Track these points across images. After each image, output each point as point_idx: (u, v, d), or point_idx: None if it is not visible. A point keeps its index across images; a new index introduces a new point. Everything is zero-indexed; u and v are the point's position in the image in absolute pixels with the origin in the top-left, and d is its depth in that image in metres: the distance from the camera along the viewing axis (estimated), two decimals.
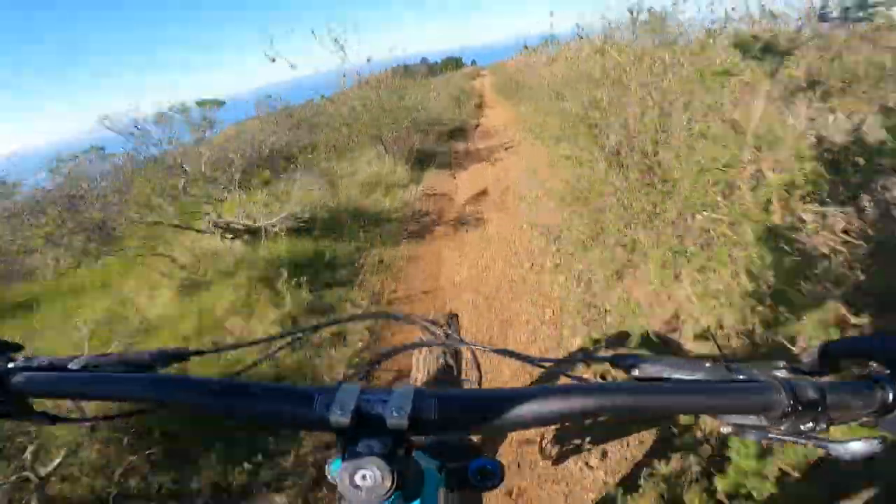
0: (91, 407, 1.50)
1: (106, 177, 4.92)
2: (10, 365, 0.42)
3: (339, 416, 0.34)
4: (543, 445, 1.53)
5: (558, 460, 1.49)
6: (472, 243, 3.55)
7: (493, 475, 0.56)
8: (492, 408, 0.36)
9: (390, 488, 0.33)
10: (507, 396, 0.36)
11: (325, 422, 0.35)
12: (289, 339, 0.55)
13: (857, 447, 0.32)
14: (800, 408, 0.32)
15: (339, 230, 3.77)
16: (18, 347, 0.44)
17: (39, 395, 0.42)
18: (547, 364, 0.45)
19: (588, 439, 1.54)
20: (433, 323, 0.62)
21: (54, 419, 0.45)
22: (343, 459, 0.34)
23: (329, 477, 0.58)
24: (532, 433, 1.57)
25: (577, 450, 1.51)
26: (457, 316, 1.26)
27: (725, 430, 0.37)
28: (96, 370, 0.43)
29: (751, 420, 0.35)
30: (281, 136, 6.63)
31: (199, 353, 0.47)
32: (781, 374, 0.35)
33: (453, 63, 37.46)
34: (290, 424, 0.38)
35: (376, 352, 2.30)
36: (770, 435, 0.35)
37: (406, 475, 0.36)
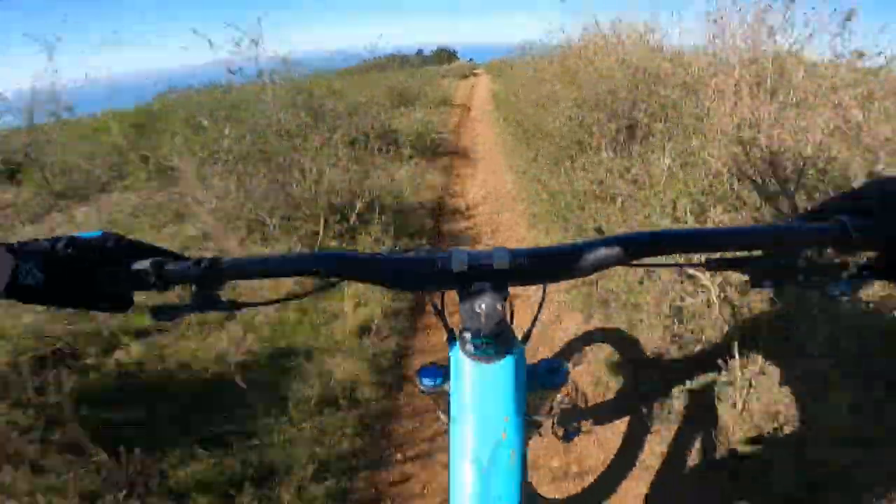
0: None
1: None
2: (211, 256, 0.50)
3: (459, 265, 0.45)
4: (553, 424, 1.68)
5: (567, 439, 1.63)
6: None
7: (559, 372, 0.65)
8: (567, 258, 0.46)
9: (501, 313, 0.43)
10: (578, 248, 0.47)
11: (448, 273, 0.45)
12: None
13: (843, 285, 0.42)
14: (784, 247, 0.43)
15: None
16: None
17: (242, 276, 0.50)
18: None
19: (591, 421, 1.68)
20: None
21: (239, 305, 0.52)
22: (462, 300, 0.45)
23: (420, 386, 0.67)
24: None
25: (579, 430, 1.63)
26: None
27: (751, 284, 0.47)
28: (272, 261, 0.51)
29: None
30: None
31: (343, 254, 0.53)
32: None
33: (445, 56, 32.44)
34: (426, 280, 0.48)
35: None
36: (772, 281, 0.45)
37: (506, 322, 0.46)
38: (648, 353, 1.84)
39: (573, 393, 1.80)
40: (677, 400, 1.57)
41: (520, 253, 0.46)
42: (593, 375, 1.87)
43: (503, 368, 0.48)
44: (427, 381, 0.66)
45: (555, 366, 0.65)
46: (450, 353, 0.54)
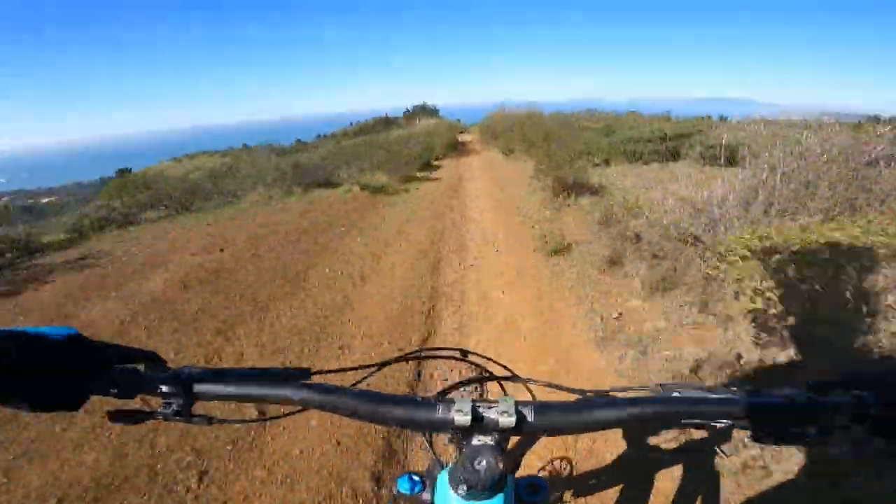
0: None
1: None
2: (182, 369, 0.48)
3: (461, 417, 0.44)
4: None
5: None
6: None
7: (542, 490, 0.64)
8: (576, 414, 0.45)
9: (500, 471, 0.43)
10: (586, 405, 0.45)
11: (449, 422, 0.44)
12: (391, 363, 0.67)
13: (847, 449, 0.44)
14: (795, 417, 0.42)
15: None
16: (166, 366, 0.50)
17: (214, 398, 0.48)
18: (589, 393, 0.52)
19: (572, 492, 1.64)
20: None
21: (211, 420, 0.50)
22: (461, 451, 0.45)
23: (395, 492, 0.66)
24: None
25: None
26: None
27: (747, 439, 0.48)
28: (252, 380, 0.49)
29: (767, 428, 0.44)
30: None
31: (322, 372, 0.55)
32: (787, 390, 0.45)
33: (425, 114, 24.83)
34: (421, 426, 0.46)
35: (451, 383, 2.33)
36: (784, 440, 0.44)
37: (507, 467, 0.45)
38: None
39: (558, 462, 1.75)
40: None
41: (527, 406, 0.45)
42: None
43: None
44: (404, 490, 0.65)
45: (537, 484, 0.64)
46: (437, 482, 0.53)
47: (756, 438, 0.46)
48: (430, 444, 0.65)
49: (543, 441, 1.77)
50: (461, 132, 19.15)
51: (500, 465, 0.43)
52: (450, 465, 0.52)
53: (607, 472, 1.75)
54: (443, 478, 0.52)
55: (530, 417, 0.44)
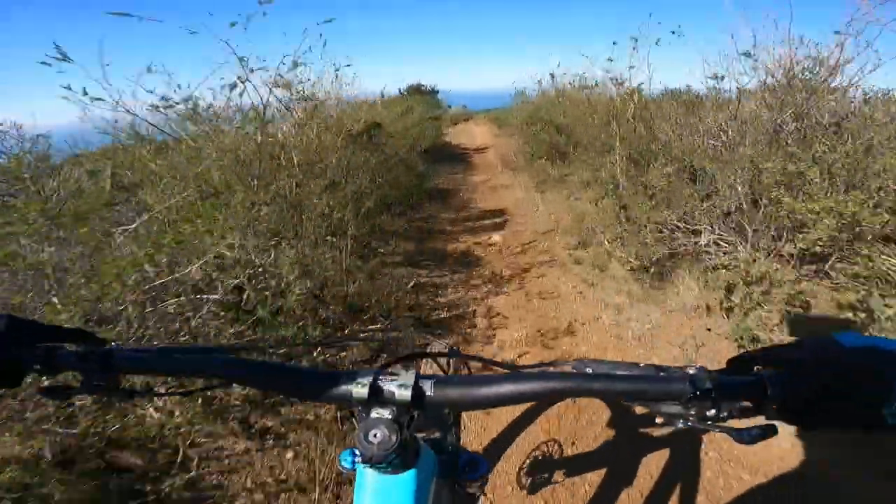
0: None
1: None
2: (109, 346, 0.51)
3: (359, 391, 0.45)
4: (520, 476, 1.64)
5: (533, 491, 1.61)
6: None
7: (480, 466, 0.64)
8: (478, 388, 0.46)
9: (394, 444, 0.43)
10: (490, 380, 0.46)
11: (348, 396, 0.45)
12: (325, 343, 0.68)
13: (756, 432, 0.41)
14: (698, 393, 0.42)
15: None
16: (103, 341, 0.54)
17: (132, 371, 0.51)
18: (527, 370, 0.51)
19: (563, 471, 1.66)
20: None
21: (132, 394, 0.54)
22: (359, 423, 0.45)
23: (339, 466, 0.68)
24: (513, 459, 1.70)
25: (549, 482, 1.63)
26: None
27: (658, 420, 0.46)
28: (169, 353, 0.51)
29: (674, 409, 0.44)
30: None
31: (247, 348, 0.56)
32: (692, 371, 0.45)
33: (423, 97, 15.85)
34: (323, 399, 0.48)
35: (396, 354, 2.28)
36: (689, 423, 0.43)
37: (406, 441, 0.45)
38: None
39: (546, 445, 1.74)
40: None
41: (426, 379, 0.46)
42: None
43: (403, 482, 0.48)
44: (346, 464, 0.67)
45: (474, 460, 0.65)
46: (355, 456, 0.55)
47: (666, 423, 0.45)
48: (352, 420, 0.64)
49: (536, 425, 1.82)
50: (456, 123, 14.65)
51: (394, 439, 0.43)
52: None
53: (595, 453, 1.76)
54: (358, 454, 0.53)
55: (430, 391, 0.45)
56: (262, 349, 0.60)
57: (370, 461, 0.44)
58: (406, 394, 0.45)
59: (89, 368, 0.48)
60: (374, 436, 0.43)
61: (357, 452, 0.52)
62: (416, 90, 22.85)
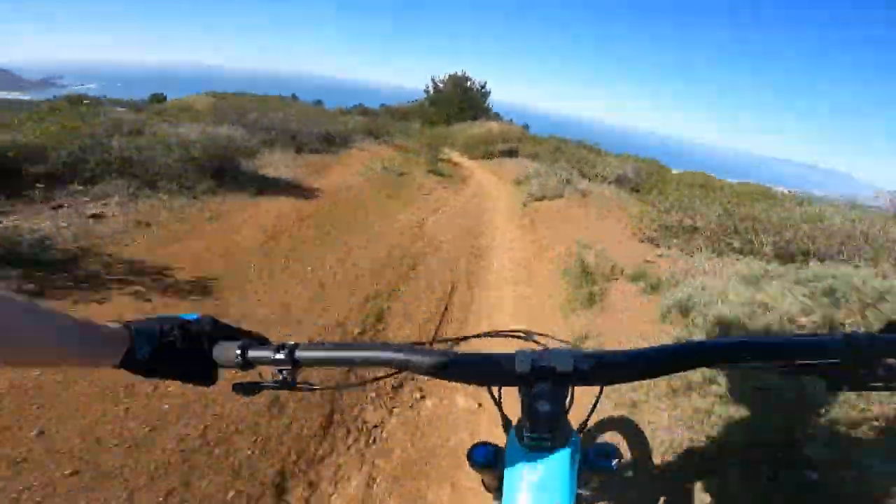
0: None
1: None
2: (293, 344, 0.56)
3: (523, 367, 0.49)
4: None
5: None
6: None
7: (611, 455, 0.64)
8: (633, 361, 0.49)
9: (559, 414, 0.46)
10: (644, 353, 0.50)
11: (512, 374, 0.49)
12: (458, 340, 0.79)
13: None
14: (859, 349, 0.43)
15: None
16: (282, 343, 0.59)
17: (314, 364, 0.56)
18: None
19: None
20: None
21: (313, 388, 0.60)
22: (524, 398, 0.49)
23: (469, 463, 0.67)
24: None
25: None
26: None
27: (827, 389, 0.47)
28: (345, 347, 0.57)
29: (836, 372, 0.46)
30: None
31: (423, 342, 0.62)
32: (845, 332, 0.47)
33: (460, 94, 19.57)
34: (487, 379, 0.53)
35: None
36: (845, 388, 0.45)
37: (564, 418, 0.49)
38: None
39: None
40: None
41: (582, 356, 0.49)
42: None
43: (558, 461, 0.50)
44: (479, 460, 0.67)
45: (607, 450, 0.65)
46: (507, 441, 0.57)
47: (830, 387, 0.47)
48: (499, 404, 0.67)
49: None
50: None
51: (560, 408, 0.47)
52: (516, 423, 0.56)
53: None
54: (512, 435, 0.55)
55: (584, 366, 0.49)
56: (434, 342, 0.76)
57: (536, 430, 0.47)
58: (568, 367, 0.48)
59: (281, 364, 0.55)
60: (543, 406, 0.47)
61: (513, 434, 0.55)
62: (458, 84, 21.30)
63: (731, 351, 0.48)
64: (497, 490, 0.69)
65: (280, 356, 0.54)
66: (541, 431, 0.48)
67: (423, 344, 0.60)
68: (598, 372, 0.49)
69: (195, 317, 0.57)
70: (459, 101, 20.89)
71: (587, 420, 0.63)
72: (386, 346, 0.55)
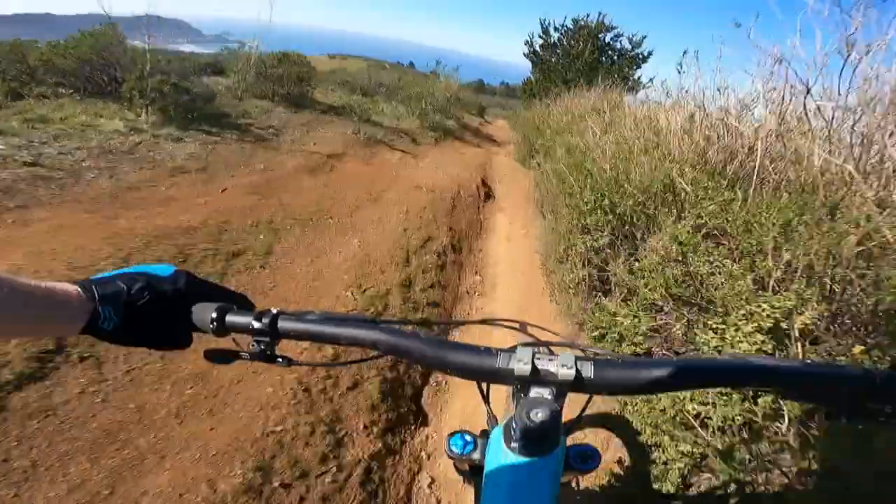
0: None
1: None
2: (275, 311, 0.52)
3: (521, 366, 0.45)
4: None
5: None
6: None
7: (592, 458, 0.62)
8: (638, 371, 0.45)
9: (557, 425, 0.43)
10: (651, 364, 0.45)
11: (508, 372, 0.45)
12: (453, 324, 0.70)
13: None
14: (877, 386, 0.41)
15: None
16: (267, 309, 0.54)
17: (296, 336, 0.51)
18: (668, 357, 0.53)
19: None
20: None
21: (291, 362, 0.54)
22: (518, 401, 0.45)
23: (447, 451, 0.65)
24: None
25: None
26: None
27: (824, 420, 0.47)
28: (329, 321, 0.52)
29: (842, 403, 0.44)
30: None
31: (389, 321, 0.56)
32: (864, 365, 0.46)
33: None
34: (483, 374, 0.48)
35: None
36: (863, 419, 0.43)
37: (558, 426, 0.44)
38: None
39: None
40: None
41: (587, 361, 0.45)
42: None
43: (545, 465, 0.46)
44: (456, 449, 0.65)
45: (587, 452, 0.63)
46: (491, 437, 0.53)
47: (829, 416, 0.46)
48: (487, 400, 0.65)
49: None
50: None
51: (556, 419, 0.43)
52: (503, 421, 0.51)
53: None
54: (496, 434, 0.51)
55: (589, 373, 0.45)
56: (427, 323, 0.62)
57: (531, 439, 0.43)
58: (569, 374, 0.44)
59: (260, 335, 0.50)
60: (537, 415, 0.42)
61: (499, 434, 0.50)
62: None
63: (760, 373, 0.45)
64: (471, 480, 0.70)
65: (260, 325, 0.50)
66: (531, 438, 0.44)
67: (412, 325, 0.57)
68: (602, 382, 0.45)
69: (168, 271, 0.51)
70: (590, 64, 11.57)
71: (577, 421, 0.59)
72: (375, 324, 0.51)
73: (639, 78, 11.32)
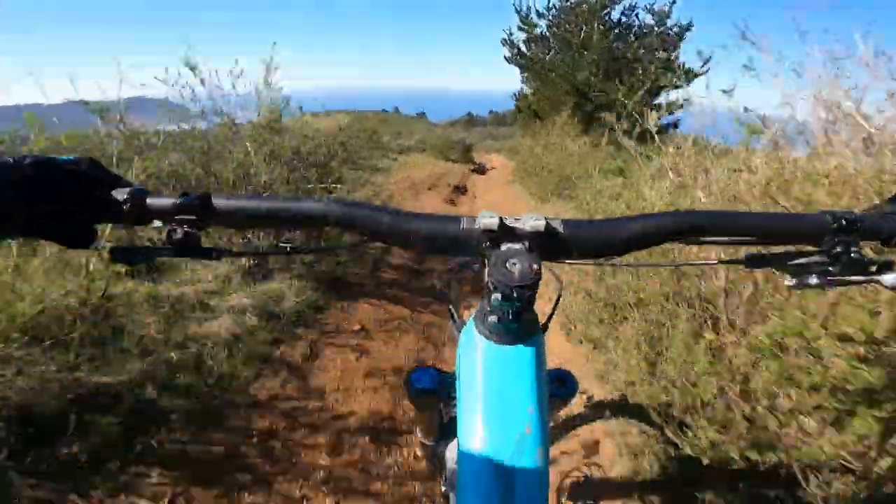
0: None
1: None
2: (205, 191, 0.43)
3: (488, 220, 0.39)
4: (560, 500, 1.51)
5: None
6: None
7: (570, 383, 0.62)
8: (610, 228, 0.43)
9: (536, 273, 0.37)
10: (619, 221, 0.44)
11: (475, 231, 0.40)
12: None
13: None
14: (842, 228, 0.41)
15: None
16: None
17: (231, 219, 0.43)
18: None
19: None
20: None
21: (222, 253, 0.44)
22: (490, 263, 0.39)
23: (409, 390, 0.63)
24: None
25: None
26: None
27: (789, 283, 0.44)
28: (269, 197, 0.44)
29: (811, 260, 0.43)
30: None
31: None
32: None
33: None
34: (445, 241, 0.42)
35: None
36: (829, 277, 0.42)
37: (532, 300, 0.40)
38: None
39: (588, 467, 1.61)
40: None
41: (556, 220, 0.42)
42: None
43: (527, 353, 0.42)
44: (421, 385, 0.62)
45: (563, 375, 0.62)
46: (460, 338, 0.48)
47: (797, 285, 0.44)
48: (450, 296, 0.63)
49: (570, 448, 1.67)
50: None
51: (535, 267, 0.38)
52: (473, 314, 0.46)
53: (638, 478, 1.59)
54: (468, 328, 0.46)
55: (560, 229, 0.41)
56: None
57: (509, 296, 0.37)
58: (539, 224, 0.39)
59: (188, 212, 0.40)
60: (513, 263, 0.38)
61: (472, 328, 0.45)
62: None
63: (722, 220, 0.44)
64: (437, 412, 0.69)
65: (187, 202, 0.40)
66: (510, 305, 0.38)
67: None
68: (573, 239, 0.42)
69: (69, 158, 0.40)
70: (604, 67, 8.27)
71: (551, 316, 0.53)
72: (319, 199, 0.44)
73: (681, 75, 7.39)
